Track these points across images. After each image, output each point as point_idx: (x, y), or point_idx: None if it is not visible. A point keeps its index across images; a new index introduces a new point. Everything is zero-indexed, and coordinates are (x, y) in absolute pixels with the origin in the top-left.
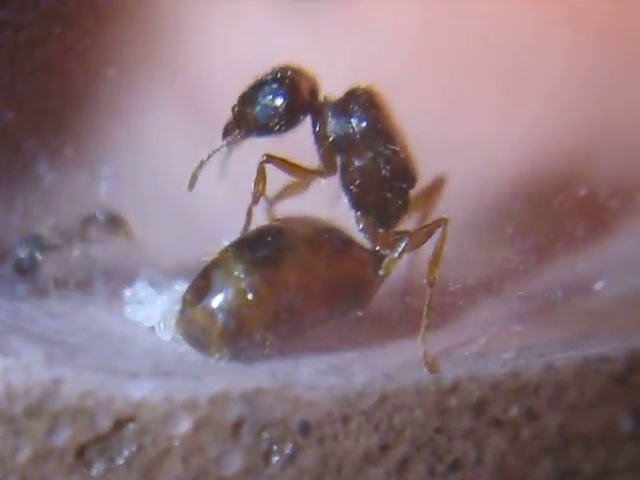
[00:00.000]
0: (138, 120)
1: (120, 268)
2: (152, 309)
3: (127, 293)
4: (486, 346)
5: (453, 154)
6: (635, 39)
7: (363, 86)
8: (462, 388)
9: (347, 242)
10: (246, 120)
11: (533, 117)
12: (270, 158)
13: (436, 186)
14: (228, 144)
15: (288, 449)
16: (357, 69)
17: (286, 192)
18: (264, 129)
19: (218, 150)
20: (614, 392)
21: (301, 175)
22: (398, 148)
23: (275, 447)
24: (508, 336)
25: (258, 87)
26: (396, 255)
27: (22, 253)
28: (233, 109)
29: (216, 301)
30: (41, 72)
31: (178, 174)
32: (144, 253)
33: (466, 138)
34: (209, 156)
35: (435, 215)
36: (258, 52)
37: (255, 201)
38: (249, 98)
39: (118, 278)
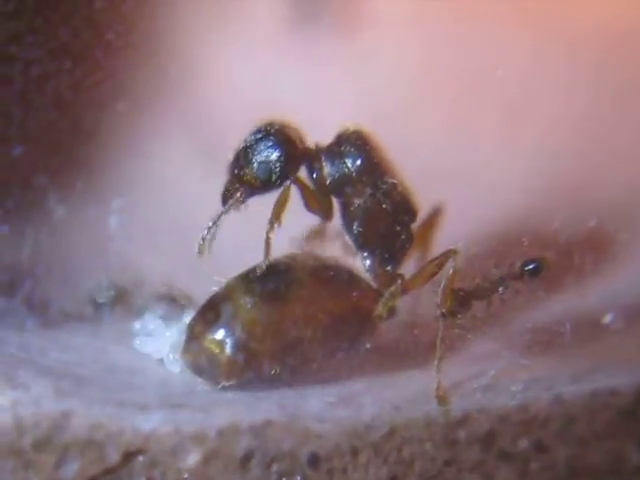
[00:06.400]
0: (149, 154)
1: (129, 300)
2: (161, 341)
3: (136, 325)
4: (495, 378)
5: (456, 184)
6: (635, 72)
7: (352, 127)
8: (471, 420)
9: (353, 278)
10: (247, 180)
11: (534, 149)
12: (296, 180)
13: (433, 217)
14: (233, 206)
15: None
16: (361, 100)
17: (309, 238)
18: (265, 185)
19: (223, 214)
20: (623, 425)
21: (312, 206)
22: (395, 183)
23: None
24: (516, 369)
25: (251, 146)
26: (386, 299)
27: (102, 298)
28: (232, 171)
29: (224, 332)
30: (52, 107)
31: (188, 207)
32: (154, 285)
33: (467, 169)
34: (214, 222)
35: (436, 246)
36: (266, 85)
37: (271, 226)
38: (245, 158)
39: (127, 310)
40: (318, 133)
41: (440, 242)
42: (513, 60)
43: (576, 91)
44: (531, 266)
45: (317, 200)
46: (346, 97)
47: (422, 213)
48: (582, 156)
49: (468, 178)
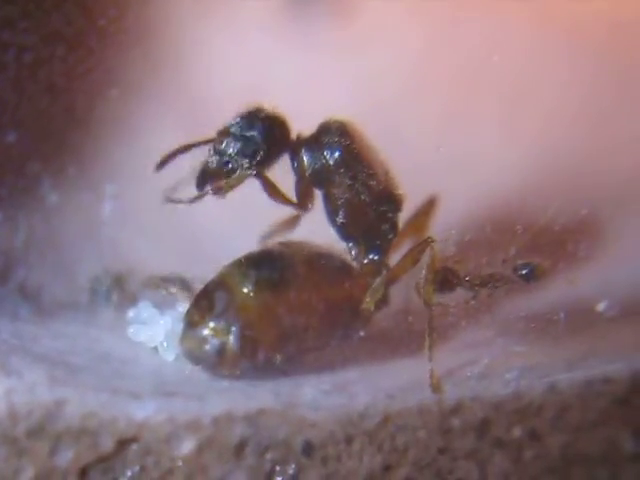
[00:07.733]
0: (141, 140)
1: (124, 288)
2: (155, 329)
3: (130, 314)
4: (489, 366)
5: (453, 173)
6: (634, 60)
7: (334, 118)
8: (465, 408)
9: (347, 266)
10: (224, 161)
11: (532, 136)
12: (259, 175)
13: (428, 207)
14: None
15: (291, 470)
16: (356, 88)
17: (276, 229)
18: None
19: (180, 151)
20: (616, 413)
21: (280, 201)
22: (376, 174)
23: (278, 468)
24: (511, 357)
25: (234, 129)
26: (372, 292)
27: (96, 285)
28: (213, 148)
29: (220, 320)
30: (44, 93)
31: (180, 194)
32: (147, 273)
33: (465, 157)
34: (169, 154)
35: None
36: (259, 72)
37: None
38: (227, 139)
39: (121, 298)
40: (310, 120)
41: (435, 230)
42: (512, 48)
43: (575, 80)
44: (524, 271)
45: (280, 192)
46: (341, 84)
47: (417, 202)
48: (580, 145)
49: (464, 166)
